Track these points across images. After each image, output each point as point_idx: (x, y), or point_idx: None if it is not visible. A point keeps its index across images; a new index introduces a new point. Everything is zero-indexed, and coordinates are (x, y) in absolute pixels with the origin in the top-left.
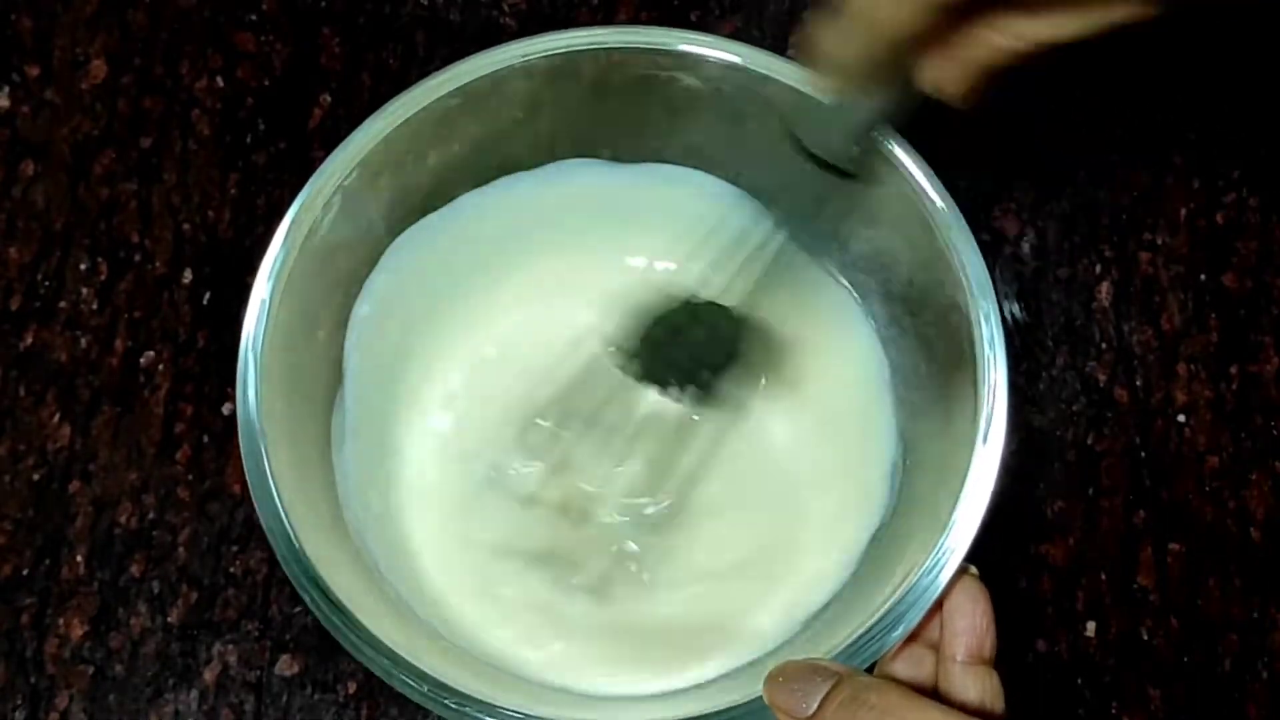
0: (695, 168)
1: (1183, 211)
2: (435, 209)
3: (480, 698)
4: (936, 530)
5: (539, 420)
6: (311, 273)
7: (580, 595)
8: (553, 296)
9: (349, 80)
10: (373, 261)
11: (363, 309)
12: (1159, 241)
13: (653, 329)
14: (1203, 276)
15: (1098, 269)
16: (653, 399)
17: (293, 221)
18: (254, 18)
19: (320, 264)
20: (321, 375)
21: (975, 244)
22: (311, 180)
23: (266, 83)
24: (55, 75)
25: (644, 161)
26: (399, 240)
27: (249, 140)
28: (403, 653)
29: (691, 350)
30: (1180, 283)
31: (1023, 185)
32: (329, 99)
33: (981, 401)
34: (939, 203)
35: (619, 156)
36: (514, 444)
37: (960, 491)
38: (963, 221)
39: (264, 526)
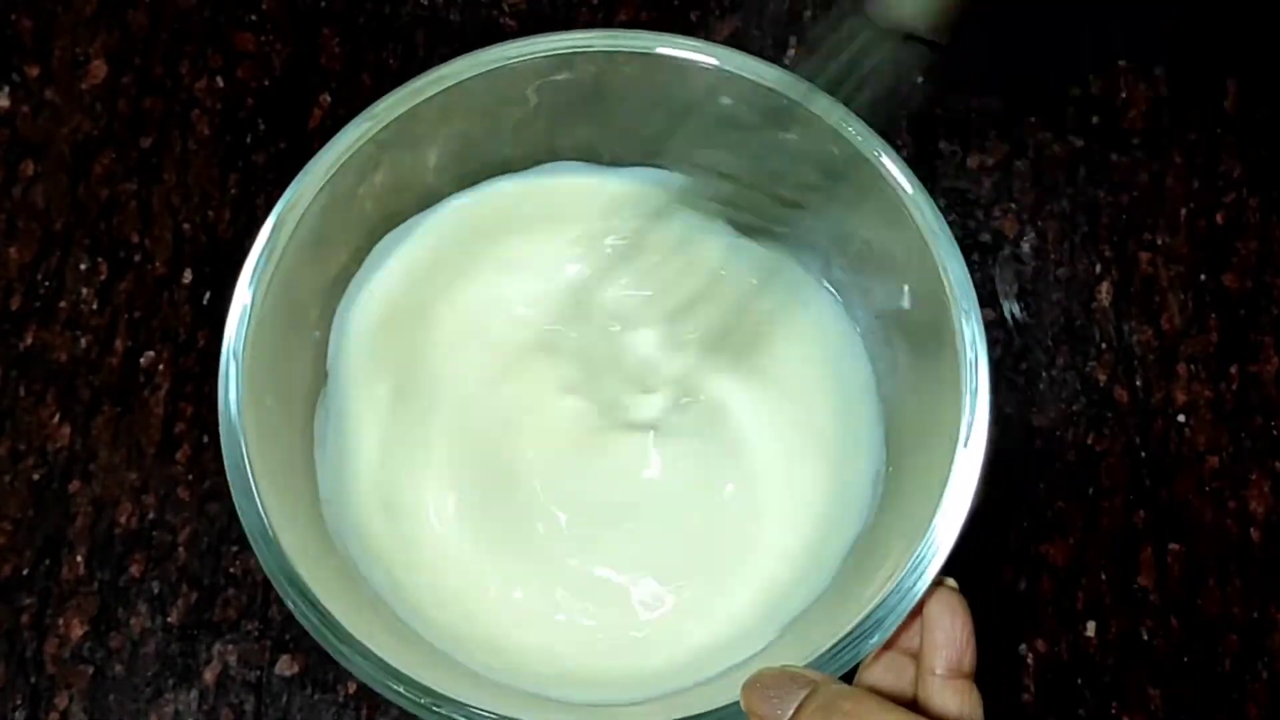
0: (689, 172)
1: (1183, 211)
2: (422, 209)
3: (460, 700)
4: (917, 535)
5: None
6: (296, 274)
7: (564, 597)
8: (534, 299)
9: (349, 80)
10: (359, 262)
11: (348, 309)
12: (1159, 241)
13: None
14: (1203, 276)
15: (1098, 269)
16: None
17: (275, 223)
18: (254, 18)
19: (305, 266)
20: (305, 376)
21: (956, 246)
22: (295, 182)
23: (266, 83)
24: (55, 75)
25: (641, 165)
26: (385, 240)
27: (249, 140)
28: (384, 655)
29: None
30: (1180, 283)
31: (1023, 185)
32: (329, 99)
33: (963, 404)
34: (921, 205)
35: (618, 160)
36: (501, 446)
37: (941, 496)
38: (945, 224)
39: (245, 529)
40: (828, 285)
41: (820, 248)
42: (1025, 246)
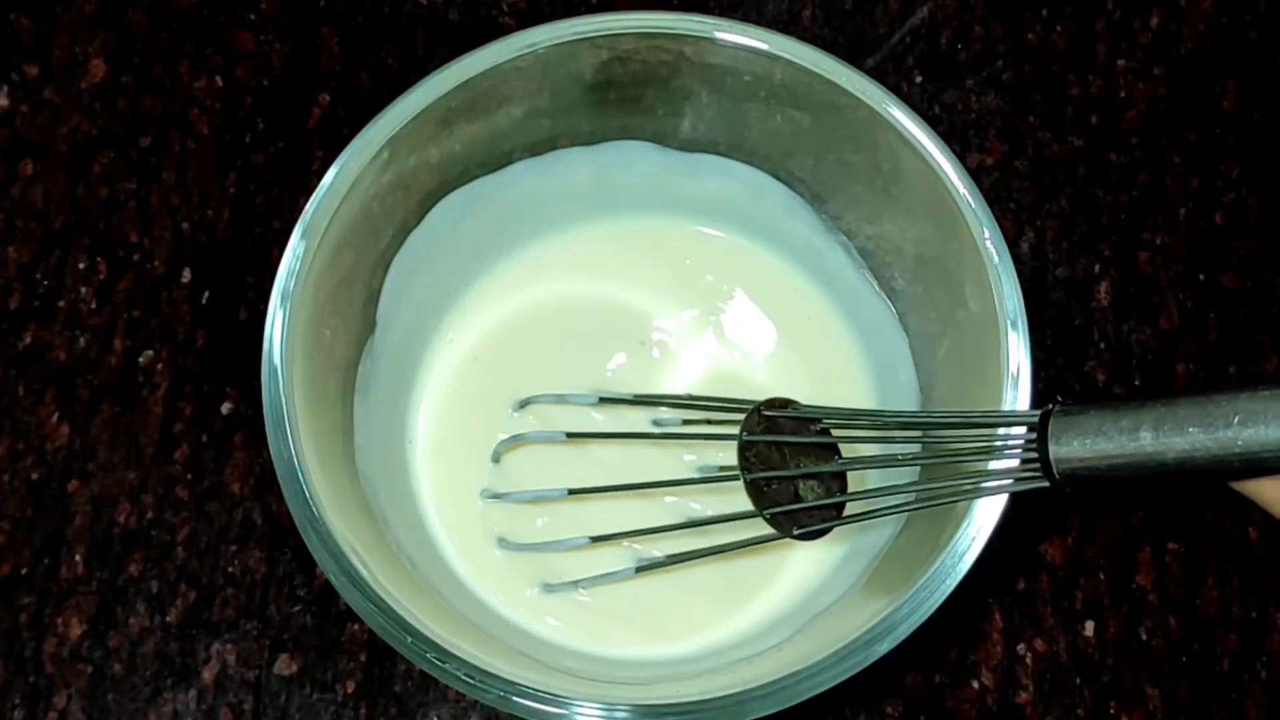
0: (748, 163)
1: (1182, 211)
2: (486, 174)
3: (462, 656)
4: (941, 548)
5: (569, 397)
6: (354, 221)
7: (583, 561)
8: (594, 269)
9: (349, 80)
10: (419, 215)
11: (403, 262)
12: (1158, 241)
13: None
14: (1202, 276)
15: (1097, 269)
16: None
17: (341, 169)
18: (254, 17)
19: (363, 215)
20: (354, 321)
21: (1011, 262)
22: (363, 132)
23: (266, 82)
24: (55, 75)
25: (695, 151)
26: (448, 199)
27: (248, 140)
28: (391, 601)
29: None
30: (1179, 282)
31: (1022, 185)
32: (329, 99)
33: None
34: (987, 236)
35: (684, 146)
36: (534, 414)
37: (970, 509)
38: (1000, 238)
39: (274, 460)
40: (882, 293)
41: (880, 257)
42: (1024, 246)
